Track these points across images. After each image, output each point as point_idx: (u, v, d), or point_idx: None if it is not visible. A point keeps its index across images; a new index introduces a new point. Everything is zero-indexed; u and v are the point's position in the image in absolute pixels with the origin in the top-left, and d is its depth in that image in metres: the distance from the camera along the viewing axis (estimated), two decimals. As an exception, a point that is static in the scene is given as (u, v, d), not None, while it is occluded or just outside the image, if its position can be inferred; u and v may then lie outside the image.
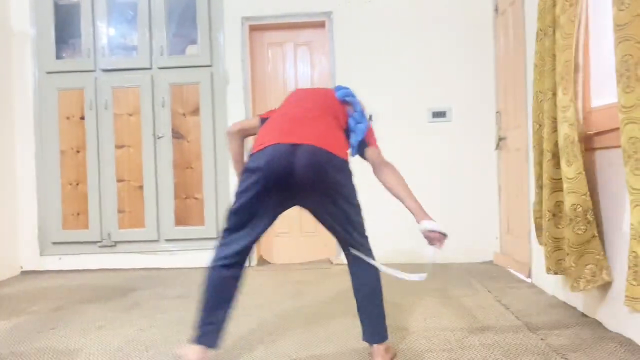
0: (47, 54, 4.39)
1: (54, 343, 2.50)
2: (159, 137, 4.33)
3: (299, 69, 4.46)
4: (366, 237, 2.15)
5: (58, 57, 4.42)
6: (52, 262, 4.31)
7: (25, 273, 4.32)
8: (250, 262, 4.30)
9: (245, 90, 4.31)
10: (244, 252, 2.00)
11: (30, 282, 3.94)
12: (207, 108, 4.31)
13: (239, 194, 1.91)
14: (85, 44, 4.37)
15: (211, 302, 1.96)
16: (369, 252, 2.15)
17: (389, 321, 2.42)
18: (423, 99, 4.21)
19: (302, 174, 1.84)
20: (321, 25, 4.33)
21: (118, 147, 4.36)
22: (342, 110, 2.16)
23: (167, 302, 3.24)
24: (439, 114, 4.20)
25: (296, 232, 4.48)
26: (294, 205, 2.03)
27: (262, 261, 4.43)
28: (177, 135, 4.36)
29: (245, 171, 1.90)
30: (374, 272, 2.16)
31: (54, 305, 3.25)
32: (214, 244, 4.23)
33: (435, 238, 2.10)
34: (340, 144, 2.00)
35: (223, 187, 4.31)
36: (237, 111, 4.30)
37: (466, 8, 4.17)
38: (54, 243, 4.32)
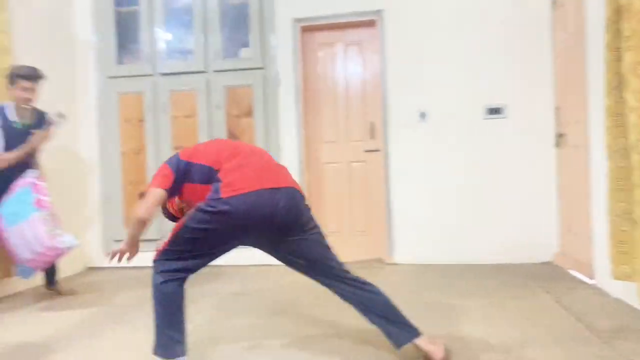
0: (108, 60, 4.59)
1: (104, 339, 2.62)
2: (214, 139, 4.45)
3: (349, 69, 4.47)
4: (338, 261, 2.23)
5: (119, 62, 4.62)
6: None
7: (90, 269, 4.54)
8: (302, 261, 4.35)
9: (296, 92, 4.36)
10: (191, 274, 2.09)
11: (95, 277, 4.14)
12: (260, 110, 4.39)
13: (204, 229, 1.95)
14: (144, 49, 4.55)
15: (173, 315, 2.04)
16: (344, 269, 2.23)
17: (444, 322, 2.40)
18: (477, 96, 4.13)
19: (281, 215, 1.99)
20: (372, 24, 4.32)
21: (175, 148, 4.51)
22: None
23: (224, 298, 3.33)
24: (494, 111, 4.10)
25: (347, 231, 4.49)
26: (253, 243, 2.14)
27: (314, 260, 4.46)
28: (231, 136, 4.47)
29: (216, 214, 1.92)
30: (373, 287, 2.24)
31: (119, 299, 3.40)
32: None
33: None
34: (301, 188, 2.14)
35: (276, 186, 4.38)
36: (288, 112, 4.36)
37: (521, 1, 4.05)
38: (116, 241, 4.52)
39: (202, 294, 3.42)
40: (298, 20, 4.35)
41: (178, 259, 2.01)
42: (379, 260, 4.34)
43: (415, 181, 4.22)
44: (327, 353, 2.28)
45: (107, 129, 4.58)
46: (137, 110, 4.54)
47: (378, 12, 4.24)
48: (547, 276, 3.59)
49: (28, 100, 3.33)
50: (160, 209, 2.15)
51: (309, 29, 4.43)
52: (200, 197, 2.00)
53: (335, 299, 2.22)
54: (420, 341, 2.13)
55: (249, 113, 4.43)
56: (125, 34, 4.67)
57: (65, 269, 4.27)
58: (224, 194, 1.93)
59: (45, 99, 4.19)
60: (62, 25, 4.46)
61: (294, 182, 2.13)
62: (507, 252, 4.08)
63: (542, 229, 4.03)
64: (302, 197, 2.11)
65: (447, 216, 4.18)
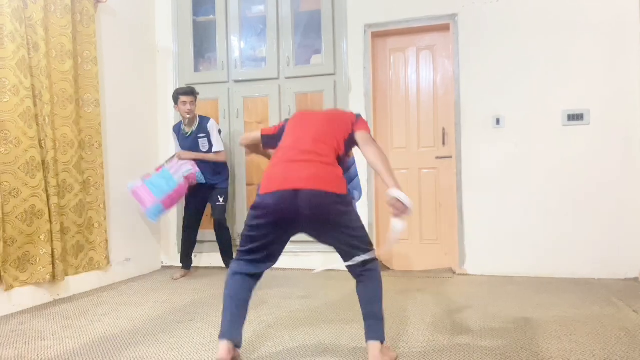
0: (186, 68, 4.80)
1: (191, 333, 2.72)
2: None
3: (421, 74, 4.41)
4: (370, 245, 2.25)
5: (196, 70, 4.81)
6: (189, 259, 4.67)
7: (165, 268, 4.74)
8: (370, 267, 4.32)
9: (366, 97, 4.35)
10: (262, 270, 2.28)
11: (169, 275, 4.32)
12: (330, 115, 4.42)
13: (251, 227, 2.18)
14: (220, 57, 4.71)
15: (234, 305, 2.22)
16: (370, 254, 2.21)
17: (519, 336, 2.30)
18: (556, 101, 3.94)
19: (306, 215, 2.09)
20: (445, 28, 4.24)
21: (247, 153, 4.61)
22: (342, 129, 2.33)
23: (292, 301, 3.37)
24: (575, 117, 3.89)
25: (416, 240, 4.42)
26: (301, 232, 2.23)
27: (382, 267, 4.41)
28: (301, 141, 4.53)
29: (255, 208, 2.15)
30: (377, 278, 2.24)
31: (192, 298, 3.53)
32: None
33: (399, 209, 2.16)
34: (335, 179, 2.15)
35: (344, 192, 4.39)
36: (359, 117, 4.35)
37: (607, 5, 3.83)
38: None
39: (280, 296, 3.48)
40: (369, 26, 4.35)
41: (247, 257, 2.22)
42: (450, 270, 4.23)
43: (489, 189, 4.09)
44: (397, 362, 2.25)
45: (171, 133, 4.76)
46: (213, 115, 4.68)
47: (452, 16, 4.16)
48: (633, 293, 3.35)
49: (189, 111, 4.10)
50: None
51: (380, 34, 4.41)
52: None
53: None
54: (372, 345, 2.15)
55: (319, 119, 4.47)
56: (203, 42, 4.87)
57: (141, 268, 4.49)
58: (260, 190, 2.15)
59: (129, 104, 4.44)
60: (144, 34, 4.71)
61: (325, 180, 2.11)
62: (589, 266, 3.85)
63: (629, 242, 3.78)
64: (328, 195, 2.09)
65: (522, 226, 4.02)
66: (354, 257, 2.17)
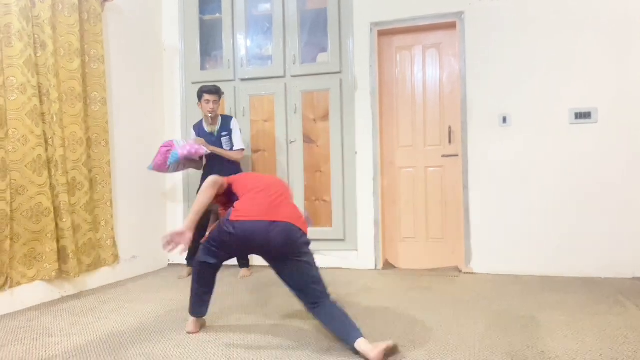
0: (192, 66, 4.81)
1: (209, 323, 2.73)
2: (291, 142, 4.53)
3: (427, 72, 4.39)
4: (323, 284, 2.55)
5: (202, 68, 4.82)
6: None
7: (171, 265, 4.76)
8: (376, 265, 4.32)
9: (372, 95, 4.35)
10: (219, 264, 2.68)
11: (174, 273, 4.33)
12: (336, 114, 4.42)
13: (219, 243, 2.55)
14: (226, 55, 4.71)
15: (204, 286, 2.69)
16: (327, 294, 2.55)
17: (525, 335, 2.29)
18: (563, 99, 3.92)
19: (276, 245, 2.46)
20: (452, 26, 4.22)
21: (254, 151, 4.64)
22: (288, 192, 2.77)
23: (297, 300, 3.37)
24: (582, 115, 3.87)
25: (422, 237, 4.41)
26: (262, 257, 2.62)
27: (387, 265, 4.42)
28: (307, 140, 4.53)
29: (226, 232, 2.47)
30: (336, 307, 2.52)
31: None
32: (341, 245, 4.32)
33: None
34: (304, 222, 2.59)
35: (350, 190, 4.39)
36: (364, 116, 4.35)
37: (614, 1, 3.81)
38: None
39: (286, 294, 3.49)
40: (375, 24, 4.34)
41: (211, 252, 2.59)
42: (456, 269, 4.22)
43: (495, 188, 4.08)
44: None
45: (190, 132, 4.77)
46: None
47: (458, 14, 4.14)
48: (640, 293, 3.33)
49: (212, 110, 4.06)
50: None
51: (386, 32, 4.41)
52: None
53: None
54: (360, 343, 2.30)
55: (325, 117, 4.47)
56: (209, 41, 4.87)
57: (148, 265, 4.51)
58: (232, 217, 2.47)
59: (136, 102, 4.46)
60: (151, 33, 4.73)
61: (298, 218, 2.55)
62: (595, 265, 3.83)
63: (636, 241, 3.75)
64: (298, 230, 2.50)
65: (529, 225, 4.00)
66: (310, 291, 2.51)
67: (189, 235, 2.46)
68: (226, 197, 2.69)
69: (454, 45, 4.26)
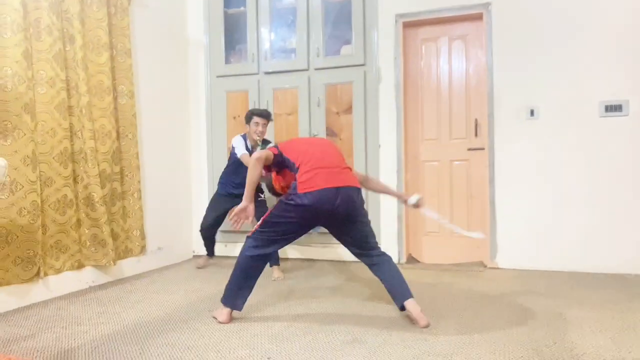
0: (217, 60, 4.83)
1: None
2: (314, 135, 4.52)
3: (453, 64, 4.33)
4: (374, 236, 2.86)
5: (227, 62, 4.84)
6: (219, 249, 4.71)
7: (196, 257, 4.81)
8: (399, 259, 4.30)
9: (396, 88, 4.31)
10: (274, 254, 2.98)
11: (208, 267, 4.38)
12: (360, 107, 4.40)
13: (284, 224, 2.64)
14: (250, 49, 4.72)
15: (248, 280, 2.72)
16: (378, 247, 2.85)
17: (552, 331, 2.25)
18: (593, 92, 3.82)
19: (343, 210, 2.63)
20: (478, 17, 4.15)
21: (278, 144, 4.64)
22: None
23: (320, 292, 3.38)
24: (613, 108, 3.77)
25: (446, 232, 4.37)
26: (326, 226, 2.81)
27: (410, 259, 4.40)
28: (330, 133, 4.52)
29: (296, 207, 2.58)
30: (391, 260, 2.84)
31: (222, 287, 3.57)
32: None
33: (420, 205, 2.94)
34: (358, 181, 2.80)
35: (373, 184, 4.36)
36: (388, 109, 4.32)
37: (650, -13, 3.69)
38: (221, 231, 4.72)
39: (310, 287, 3.50)
40: (400, 15, 4.29)
41: (266, 241, 2.67)
42: (481, 264, 4.17)
43: (522, 182, 4.01)
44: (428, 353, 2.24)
45: (215, 125, 4.82)
46: (243, 107, 4.74)
47: (485, 5, 4.07)
48: (673, 290, 3.24)
49: (262, 133, 3.94)
50: (267, 184, 3.00)
51: (411, 24, 4.35)
52: (288, 181, 2.71)
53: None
54: (410, 304, 2.63)
55: (348, 110, 4.45)
56: (233, 34, 4.89)
57: (173, 256, 4.57)
58: (300, 189, 2.57)
59: (161, 95, 4.51)
60: (176, 27, 4.77)
61: (354, 180, 2.73)
62: (625, 262, 3.74)
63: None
64: (359, 193, 2.71)
65: (556, 220, 3.93)
66: (367, 246, 2.80)
67: (251, 208, 2.63)
68: (278, 165, 2.74)
69: (481, 37, 4.19)
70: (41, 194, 3.24)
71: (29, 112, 3.13)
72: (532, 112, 3.97)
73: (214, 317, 2.77)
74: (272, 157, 2.68)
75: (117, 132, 3.88)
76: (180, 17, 4.84)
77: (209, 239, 4.33)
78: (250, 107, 4.68)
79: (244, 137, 4.01)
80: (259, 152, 2.66)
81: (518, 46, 4.00)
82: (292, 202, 2.57)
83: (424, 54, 4.42)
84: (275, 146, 2.79)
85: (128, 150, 3.98)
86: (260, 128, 3.91)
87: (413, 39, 4.43)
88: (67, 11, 3.47)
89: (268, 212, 2.69)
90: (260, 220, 2.69)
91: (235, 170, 4.01)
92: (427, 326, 2.54)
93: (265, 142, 4.05)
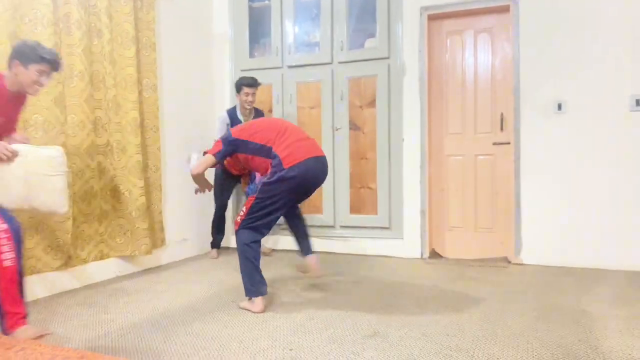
0: (241, 54, 4.86)
1: (245, 312, 2.79)
2: (337, 129, 4.52)
3: (479, 57, 4.27)
4: None
5: (251, 55, 4.87)
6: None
7: (221, 248, 4.85)
8: (422, 254, 4.28)
9: (421, 81, 4.27)
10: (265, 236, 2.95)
11: (224, 256, 4.43)
12: (384, 100, 4.37)
13: (273, 195, 2.75)
14: (274, 42, 4.73)
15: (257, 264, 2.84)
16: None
17: (576, 328, 2.22)
18: (623, 85, 3.72)
19: (323, 177, 2.91)
20: (504, 9, 4.08)
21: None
22: None
23: (343, 285, 3.39)
24: (644, 102, 3.68)
25: (470, 227, 4.33)
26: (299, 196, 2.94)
27: (433, 254, 4.37)
28: (353, 127, 4.51)
29: (286, 179, 2.71)
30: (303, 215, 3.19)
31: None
32: (386, 233, 4.28)
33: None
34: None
35: (396, 178, 4.35)
36: (412, 102, 4.29)
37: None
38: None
39: (331, 280, 3.52)
40: (425, 8, 4.24)
41: (259, 225, 2.80)
42: (505, 260, 4.12)
43: (548, 177, 3.94)
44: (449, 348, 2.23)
45: (223, 115, 4.82)
46: (267, 101, 4.76)
47: (512, -4, 4.00)
48: None
49: (251, 102, 4.16)
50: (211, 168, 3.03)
51: (436, 17, 4.31)
52: (258, 165, 2.86)
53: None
54: (311, 257, 3.09)
55: (372, 104, 4.43)
56: (258, 28, 4.91)
57: (197, 247, 4.63)
58: (286, 164, 2.71)
59: (185, 89, 4.56)
60: (202, 20, 4.81)
61: (320, 148, 2.98)
62: (654, 259, 3.65)
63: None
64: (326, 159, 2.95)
65: (582, 216, 3.85)
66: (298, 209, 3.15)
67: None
68: (229, 155, 2.90)
69: (507, 30, 4.12)
70: (73, 185, 3.32)
71: (59, 106, 3.21)
72: (559, 106, 3.89)
73: (247, 309, 2.82)
74: (212, 160, 2.85)
75: (142, 125, 3.94)
76: (206, 10, 4.87)
77: (221, 218, 4.49)
78: (274, 101, 4.70)
79: (233, 110, 4.28)
80: (203, 164, 2.86)
81: (545, 39, 3.92)
82: (279, 178, 2.71)
83: (449, 47, 4.37)
84: (230, 141, 2.85)
85: (152, 144, 4.02)
86: (250, 98, 4.13)
87: (438, 31, 4.38)
88: (95, 6, 3.53)
89: (252, 199, 2.78)
90: (246, 209, 2.79)
91: None
92: (320, 276, 3.15)
93: (257, 112, 4.31)
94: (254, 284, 2.80)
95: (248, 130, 2.87)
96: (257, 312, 2.76)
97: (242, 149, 2.85)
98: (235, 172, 3.23)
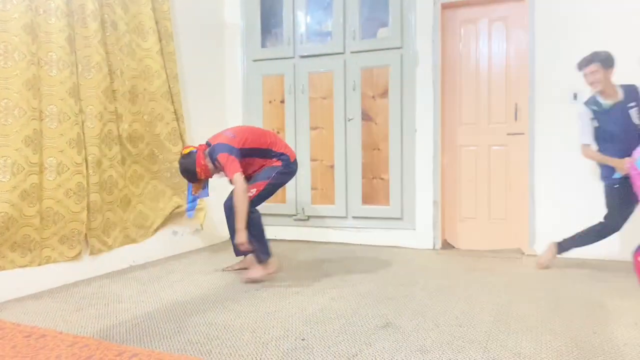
0: (253, 43, 4.85)
1: (258, 302, 2.81)
2: (349, 120, 4.50)
3: (493, 47, 4.22)
4: None
5: (263, 45, 4.85)
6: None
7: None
8: (434, 245, 4.27)
9: (434, 71, 4.23)
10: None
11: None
12: (396, 90, 4.34)
13: (281, 182, 3.41)
14: (286, 32, 4.71)
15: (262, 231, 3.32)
16: None
17: (590, 322, 2.20)
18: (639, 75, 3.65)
19: None
20: (520, -2, 4.02)
21: (312, 128, 4.65)
22: None
23: (355, 275, 3.39)
24: (662, 91, 3.60)
25: (484, 218, 4.30)
26: None
27: (446, 245, 4.36)
28: (366, 117, 4.49)
29: (290, 172, 3.43)
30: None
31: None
32: (398, 224, 4.27)
33: None
34: None
35: (409, 168, 4.32)
36: (425, 93, 4.25)
37: None
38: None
39: (344, 271, 3.52)
40: (439, -3, 4.19)
41: (260, 202, 3.30)
42: (518, 251, 4.10)
43: (564, 168, 3.89)
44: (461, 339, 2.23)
45: (252, 109, 4.85)
46: (278, 91, 4.75)
47: (528, -16, 3.93)
48: None
49: (593, 84, 3.32)
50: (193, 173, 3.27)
51: (450, 5, 4.25)
52: (257, 166, 3.34)
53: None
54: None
55: (384, 94, 4.41)
56: (269, 18, 4.88)
57: (210, 238, 4.65)
58: (292, 159, 3.40)
59: (198, 80, 4.56)
60: (213, 10, 4.80)
61: None
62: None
63: None
64: None
65: (597, 208, 3.79)
66: None
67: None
68: (256, 156, 3.33)
69: (522, 18, 4.06)
70: (92, 175, 3.34)
71: (74, 97, 3.23)
72: (575, 96, 3.83)
73: (256, 278, 3.23)
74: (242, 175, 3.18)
75: (163, 116, 3.97)
76: (218, 1, 4.86)
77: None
78: (286, 91, 4.69)
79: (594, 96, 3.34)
80: (241, 183, 3.12)
81: (561, 27, 3.86)
82: (288, 170, 3.38)
83: (463, 36, 4.32)
84: (232, 148, 3.18)
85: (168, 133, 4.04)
86: (589, 79, 3.33)
87: (452, 21, 4.33)
88: (109, -4, 3.54)
89: (265, 182, 3.26)
90: (257, 191, 3.23)
91: None
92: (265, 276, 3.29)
93: (627, 90, 3.35)
94: (265, 247, 3.31)
95: (241, 141, 3.27)
96: (273, 273, 3.31)
97: (247, 155, 3.29)
98: (203, 177, 3.30)
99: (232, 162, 3.12)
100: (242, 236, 3.11)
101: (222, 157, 3.14)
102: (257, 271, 3.28)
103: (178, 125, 4.06)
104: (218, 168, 3.22)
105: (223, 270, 3.62)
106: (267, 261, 3.29)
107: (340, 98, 4.53)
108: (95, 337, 2.27)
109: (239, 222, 3.11)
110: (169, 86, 4.00)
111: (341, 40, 4.51)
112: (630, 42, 3.68)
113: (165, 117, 3.95)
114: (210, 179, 3.44)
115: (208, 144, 3.33)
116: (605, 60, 3.28)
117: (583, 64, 3.34)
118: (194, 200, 3.64)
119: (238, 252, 3.40)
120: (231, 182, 3.18)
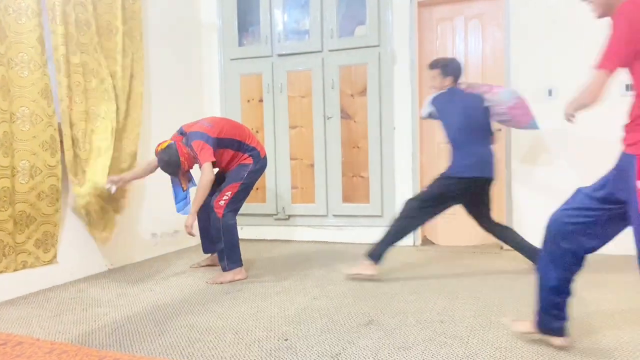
0: (230, 42, 4.80)
1: (239, 303, 2.79)
2: (328, 118, 4.50)
3: (469, 44, 4.26)
4: None
5: (240, 44, 4.81)
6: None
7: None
8: (414, 242, 4.29)
9: (412, 69, 4.26)
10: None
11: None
12: (374, 88, 4.35)
13: (254, 180, 3.37)
14: (263, 31, 4.68)
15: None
16: None
17: (576, 315, 2.26)
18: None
19: None
20: (495, -5, 4.07)
21: (292, 127, 4.63)
22: None
23: (336, 274, 3.40)
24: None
25: (463, 214, 4.31)
26: None
27: (426, 241, 4.39)
28: (345, 115, 4.49)
29: (261, 167, 3.40)
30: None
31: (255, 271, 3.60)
32: (378, 222, 4.29)
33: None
34: None
35: (388, 166, 4.34)
36: (403, 90, 4.27)
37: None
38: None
39: (326, 269, 3.52)
40: (415, -5, 4.22)
41: (236, 208, 3.28)
42: (497, 246, 4.15)
43: (539, 163, 3.96)
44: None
45: (230, 109, 4.80)
46: (257, 90, 4.72)
47: (502, -18, 3.98)
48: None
49: (433, 87, 3.51)
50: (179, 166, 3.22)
51: (426, 3, 4.28)
52: (228, 158, 3.31)
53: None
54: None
55: (363, 92, 4.41)
56: (246, 16, 4.84)
57: (190, 239, 4.60)
58: (262, 155, 3.37)
59: (174, 80, 4.50)
60: (189, 9, 4.74)
61: None
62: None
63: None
64: None
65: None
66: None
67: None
68: (220, 153, 3.27)
69: (498, 16, 4.11)
70: (61, 179, 3.28)
71: (46, 98, 3.15)
72: (550, 92, 3.90)
73: (224, 282, 3.23)
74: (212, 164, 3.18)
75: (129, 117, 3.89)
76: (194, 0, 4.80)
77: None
78: (264, 90, 4.66)
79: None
80: (209, 173, 3.12)
81: (537, 25, 3.91)
82: (259, 166, 3.35)
83: (440, 34, 4.36)
84: (207, 137, 3.17)
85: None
86: (430, 82, 3.53)
87: (428, 18, 4.36)
88: (81, -5, 3.46)
89: (237, 184, 3.23)
90: (231, 194, 3.22)
91: None
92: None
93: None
94: (238, 254, 3.30)
95: (217, 130, 3.25)
96: (244, 278, 3.28)
97: (222, 145, 3.26)
98: (187, 167, 3.27)
99: (207, 150, 3.14)
100: (191, 219, 3.16)
101: (197, 144, 3.15)
102: (226, 276, 3.28)
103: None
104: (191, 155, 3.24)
105: (190, 267, 3.70)
106: (234, 269, 3.30)
107: (319, 96, 4.52)
108: (74, 343, 2.22)
109: (194, 206, 3.19)
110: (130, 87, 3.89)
111: (319, 38, 4.51)
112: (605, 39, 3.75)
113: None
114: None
115: (182, 132, 3.32)
116: (444, 67, 3.39)
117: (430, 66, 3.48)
118: (185, 196, 3.57)
119: (206, 250, 3.64)
120: (200, 168, 3.19)
